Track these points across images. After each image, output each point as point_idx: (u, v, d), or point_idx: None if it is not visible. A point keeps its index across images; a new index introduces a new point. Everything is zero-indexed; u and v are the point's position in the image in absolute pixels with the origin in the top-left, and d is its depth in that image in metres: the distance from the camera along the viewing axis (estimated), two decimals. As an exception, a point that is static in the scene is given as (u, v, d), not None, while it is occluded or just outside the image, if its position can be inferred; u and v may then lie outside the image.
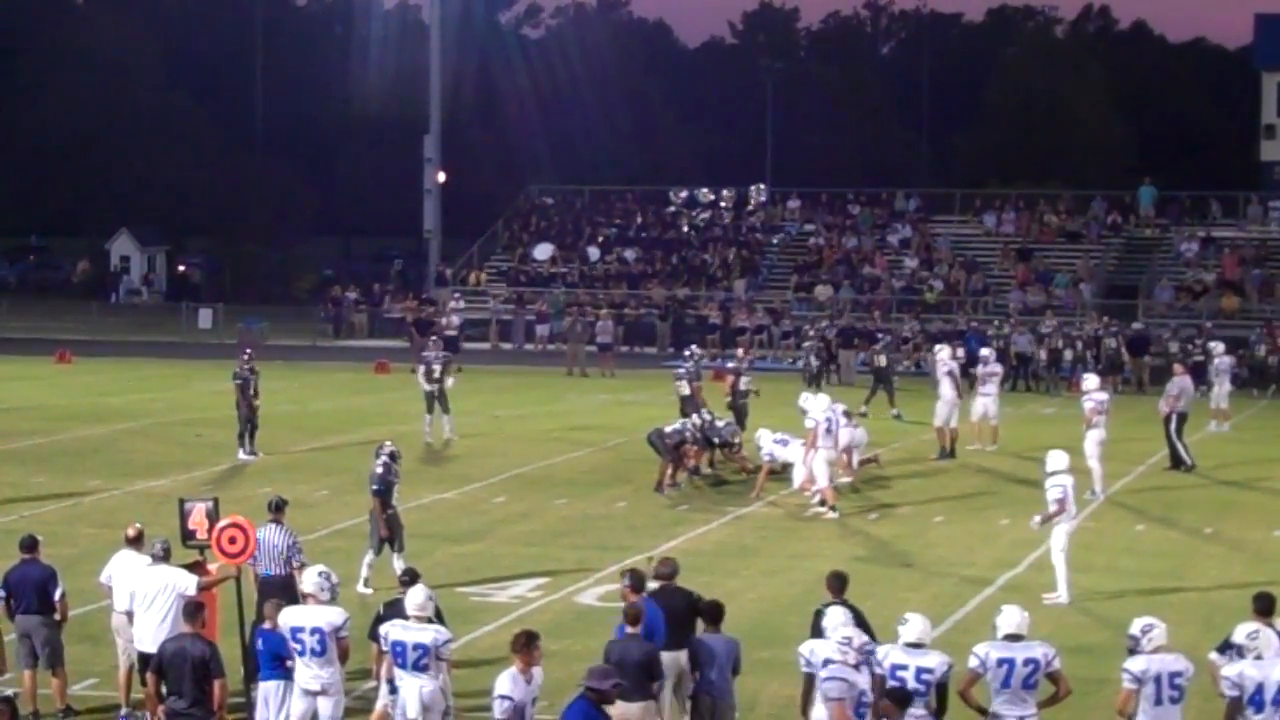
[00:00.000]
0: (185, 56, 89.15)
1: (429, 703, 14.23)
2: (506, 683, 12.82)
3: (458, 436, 34.81)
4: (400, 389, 40.90)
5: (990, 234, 63.79)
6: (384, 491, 21.45)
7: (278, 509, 17.93)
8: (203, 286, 79.36)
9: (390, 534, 21.42)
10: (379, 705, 15.00)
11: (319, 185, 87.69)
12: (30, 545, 16.81)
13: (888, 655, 13.36)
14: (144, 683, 15.04)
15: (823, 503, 27.27)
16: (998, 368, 35.21)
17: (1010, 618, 13.54)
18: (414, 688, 14.24)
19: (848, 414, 29.05)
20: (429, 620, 14.47)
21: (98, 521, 25.60)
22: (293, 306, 70.98)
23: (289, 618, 14.82)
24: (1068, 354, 48.96)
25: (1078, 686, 13.61)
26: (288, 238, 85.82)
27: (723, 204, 68.36)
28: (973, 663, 13.38)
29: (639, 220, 67.47)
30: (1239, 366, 44.67)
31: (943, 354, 35.07)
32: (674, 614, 14.58)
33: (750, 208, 68.38)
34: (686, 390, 33.86)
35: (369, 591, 20.77)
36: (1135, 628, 13.38)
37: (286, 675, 14.76)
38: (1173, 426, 32.22)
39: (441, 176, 67.43)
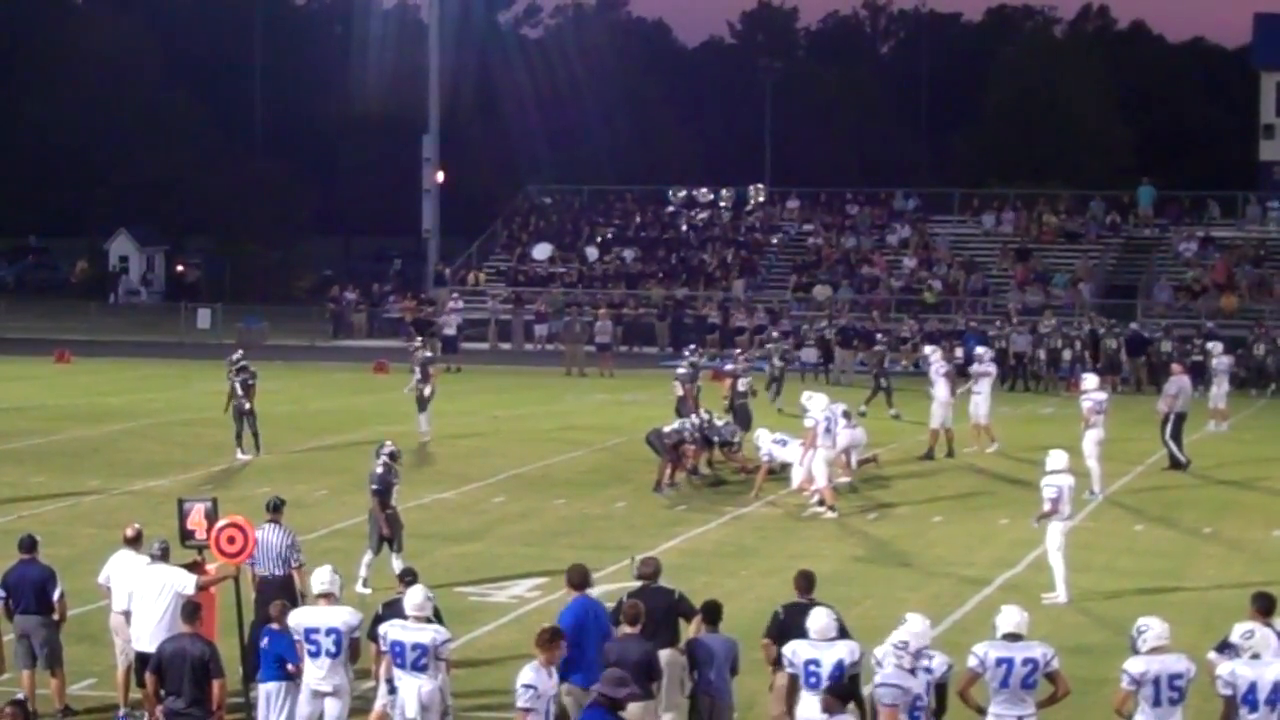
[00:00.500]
0: (185, 56, 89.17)
1: (428, 703, 14.23)
2: (530, 673, 12.88)
3: (429, 437, 34.56)
4: (399, 389, 40.86)
5: (989, 234, 63.80)
6: (383, 491, 21.46)
7: (276, 509, 17.92)
8: (202, 286, 79.40)
9: (390, 533, 21.43)
10: (378, 705, 14.99)
11: (318, 185, 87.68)
12: (29, 545, 16.81)
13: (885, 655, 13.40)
14: (142, 683, 15.04)
15: (821, 502, 27.28)
16: (991, 368, 35.13)
17: (1009, 617, 13.55)
18: (413, 687, 14.24)
19: (846, 414, 29.04)
20: (428, 620, 14.47)
21: (97, 521, 25.60)
22: (292, 306, 70.99)
23: (302, 619, 14.80)
24: (1066, 354, 48.97)
25: (1076, 686, 13.62)
26: (287, 237, 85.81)
27: (721, 204, 68.38)
28: (971, 662, 13.39)
29: (638, 220, 67.48)
30: (1237, 366, 44.67)
31: (935, 355, 35.06)
32: (654, 614, 14.55)
33: (749, 207, 68.38)
34: (680, 391, 33.94)
35: (367, 591, 20.77)
36: (1134, 628, 13.41)
37: (288, 677, 14.74)
38: (1169, 427, 32.20)
39: (440, 176, 67.44)
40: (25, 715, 12.21)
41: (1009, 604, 14.03)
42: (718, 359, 46.91)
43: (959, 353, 49.59)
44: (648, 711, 14.07)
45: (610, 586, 21.41)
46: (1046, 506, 21.56)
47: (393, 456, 21.77)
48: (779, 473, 29.08)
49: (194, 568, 16.29)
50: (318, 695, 14.68)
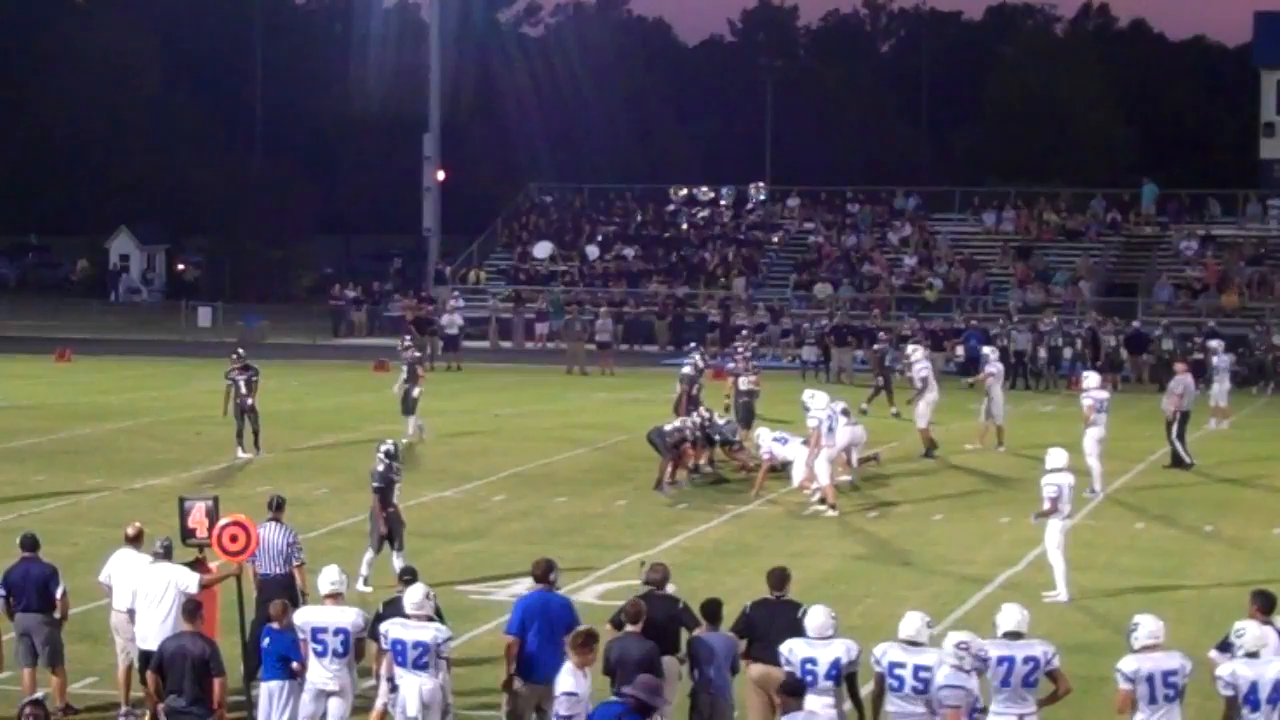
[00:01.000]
0: (185, 55, 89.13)
1: (429, 701, 14.24)
2: (569, 680, 12.89)
3: (418, 439, 34.36)
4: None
5: (990, 232, 63.80)
6: (384, 489, 21.47)
7: (278, 507, 17.93)
8: (202, 285, 79.39)
9: (389, 532, 21.44)
10: (379, 703, 15.01)
11: (318, 183, 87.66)
12: (31, 544, 16.82)
13: (885, 653, 13.41)
14: (144, 681, 15.05)
15: (823, 500, 27.28)
16: (998, 367, 35.15)
17: (1010, 616, 13.56)
18: (414, 686, 14.26)
19: (846, 412, 29.04)
20: (428, 619, 14.48)
21: (97, 520, 25.59)
22: (292, 305, 70.96)
23: (309, 618, 14.80)
24: (1067, 352, 48.99)
25: (1077, 685, 13.62)
26: (287, 236, 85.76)
27: (722, 202, 68.38)
28: (973, 661, 13.40)
29: (638, 218, 67.49)
30: (1238, 364, 44.67)
31: (917, 354, 35.05)
32: (654, 621, 14.47)
33: (749, 206, 68.38)
34: (678, 390, 34.01)
35: (368, 590, 20.77)
36: (1128, 625, 13.44)
37: (290, 675, 14.75)
38: (1175, 427, 32.19)
39: (441, 175, 67.45)
40: (45, 714, 12.25)
41: (1010, 602, 14.05)
42: (718, 357, 46.91)
43: (959, 351, 49.97)
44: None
45: (612, 585, 21.47)
46: (1046, 505, 21.58)
47: (391, 455, 21.76)
48: (780, 471, 29.08)
49: (196, 566, 16.30)
50: (322, 694, 14.69)
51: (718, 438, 30.35)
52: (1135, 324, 50.27)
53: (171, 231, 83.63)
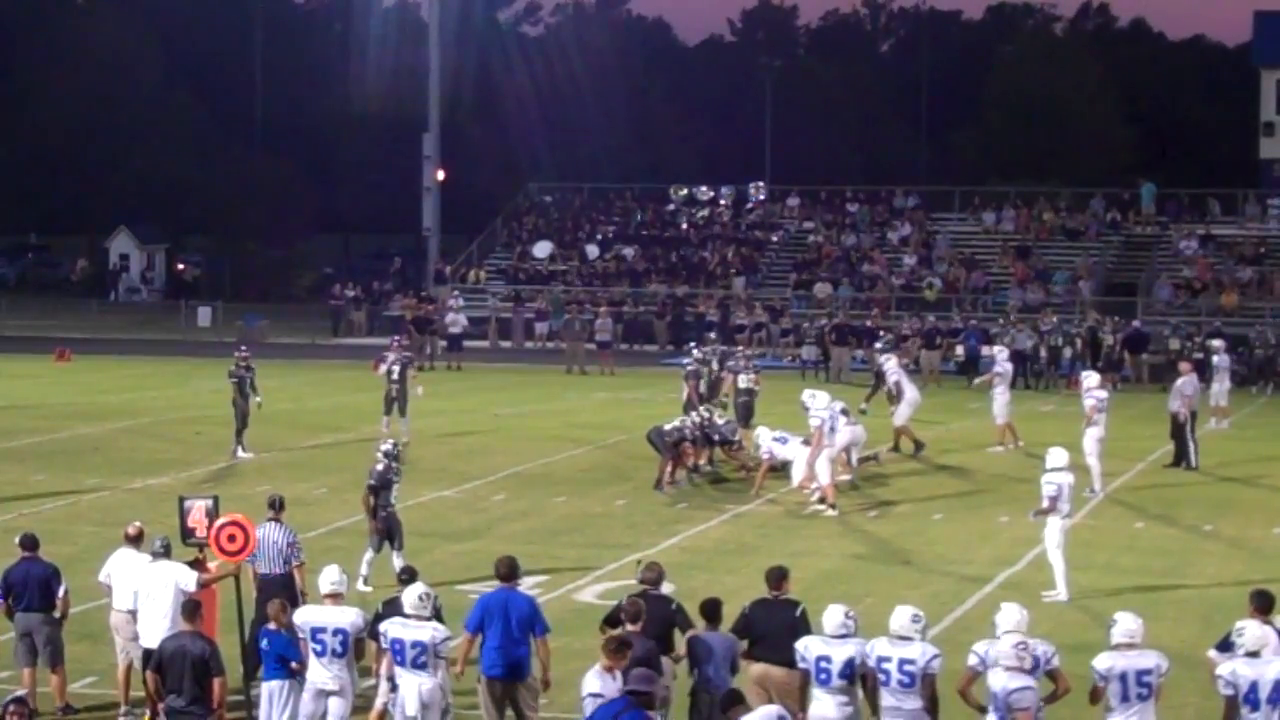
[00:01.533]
0: (185, 55, 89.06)
1: (428, 700, 14.25)
2: (596, 681, 12.86)
3: (409, 439, 34.22)
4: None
5: (989, 231, 63.80)
6: (379, 488, 21.46)
7: (278, 507, 17.93)
8: (202, 284, 79.35)
9: (389, 532, 21.45)
10: (378, 703, 15.02)
11: (318, 183, 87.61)
12: (31, 543, 16.84)
13: (874, 648, 13.43)
14: (144, 680, 15.05)
15: (822, 500, 27.29)
16: (1007, 367, 35.16)
17: (1010, 615, 13.56)
18: (413, 685, 14.26)
19: (845, 411, 29.05)
20: (427, 618, 14.48)
21: (97, 519, 25.60)
22: (292, 304, 70.94)
23: (308, 617, 14.81)
24: (1067, 351, 48.99)
25: (1077, 684, 13.61)
26: (287, 235, 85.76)
27: (722, 202, 68.36)
28: (972, 661, 13.41)
29: (638, 218, 67.48)
30: (1238, 364, 44.67)
31: (890, 363, 35.08)
32: (649, 621, 14.48)
33: (749, 205, 68.37)
34: (686, 389, 34.07)
35: (368, 589, 20.78)
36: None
37: (291, 675, 14.75)
38: (1189, 427, 32.18)
39: (440, 174, 67.41)
40: (29, 712, 12.22)
41: (1009, 602, 14.04)
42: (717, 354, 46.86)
43: (959, 350, 49.97)
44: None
45: (610, 584, 21.47)
46: (1045, 503, 21.58)
47: (391, 455, 21.77)
48: (780, 470, 29.08)
49: (195, 566, 16.31)
50: (322, 694, 14.69)
51: (717, 437, 30.36)
52: (1135, 323, 50.29)
53: (171, 231, 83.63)
